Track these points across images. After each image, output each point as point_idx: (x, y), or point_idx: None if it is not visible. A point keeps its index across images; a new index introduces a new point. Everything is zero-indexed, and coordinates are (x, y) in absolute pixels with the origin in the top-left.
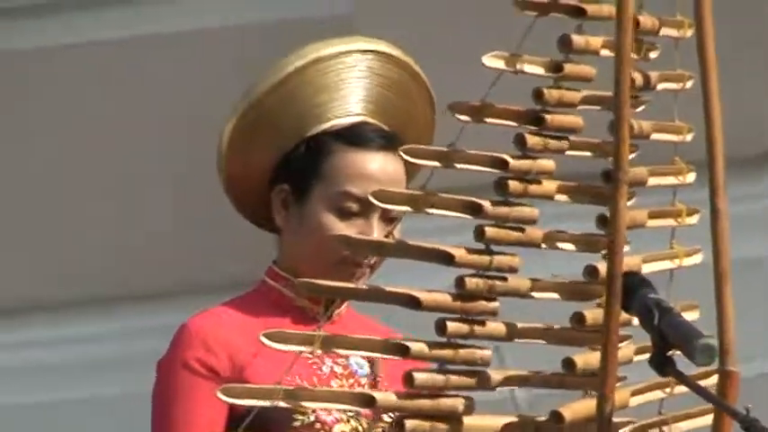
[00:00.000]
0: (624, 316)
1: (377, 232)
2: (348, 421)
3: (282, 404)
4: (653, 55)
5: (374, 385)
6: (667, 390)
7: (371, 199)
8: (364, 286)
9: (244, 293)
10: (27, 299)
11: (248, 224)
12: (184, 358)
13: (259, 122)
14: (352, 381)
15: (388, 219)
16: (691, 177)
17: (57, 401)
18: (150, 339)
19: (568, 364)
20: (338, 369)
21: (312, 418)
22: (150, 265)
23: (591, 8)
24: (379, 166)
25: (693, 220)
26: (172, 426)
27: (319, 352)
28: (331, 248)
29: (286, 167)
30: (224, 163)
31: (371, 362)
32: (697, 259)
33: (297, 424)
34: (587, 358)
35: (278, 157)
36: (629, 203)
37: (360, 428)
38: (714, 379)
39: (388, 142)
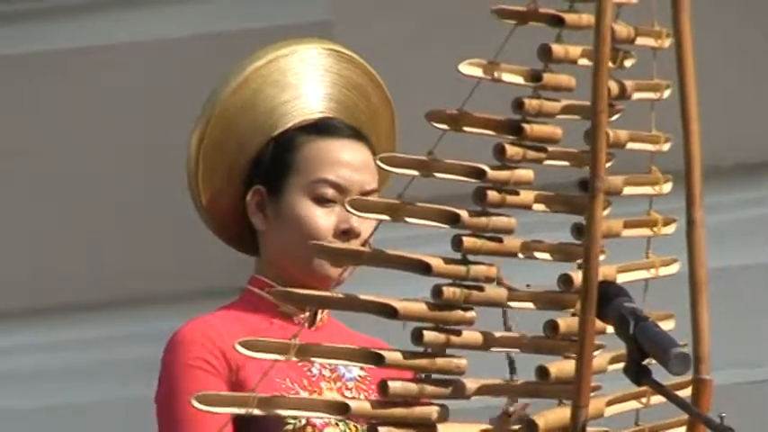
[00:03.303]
0: (599, 325)
1: (354, 219)
2: (337, 425)
3: (258, 412)
4: (628, 63)
5: (362, 388)
6: (643, 400)
7: (348, 208)
8: (340, 295)
9: (228, 303)
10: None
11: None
12: (185, 359)
13: (224, 128)
14: (339, 384)
15: None
16: (667, 187)
17: (32, 408)
18: (128, 347)
19: (542, 372)
20: (326, 372)
21: (303, 421)
22: (127, 272)
23: (570, 17)
24: (349, 153)
25: (670, 230)
26: (180, 422)
27: (294, 359)
28: (313, 236)
29: (256, 170)
30: (194, 176)
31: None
32: (674, 269)
33: (289, 428)
34: (561, 367)
35: (246, 161)
36: (604, 213)
37: None
38: (689, 389)
39: (355, 132)
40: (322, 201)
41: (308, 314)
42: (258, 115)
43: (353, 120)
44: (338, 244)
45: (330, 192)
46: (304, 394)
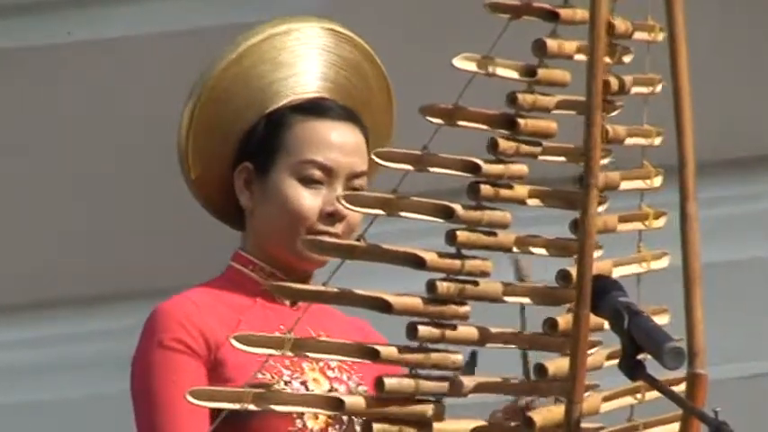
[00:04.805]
0: (596, 321)
1: None
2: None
3: (252, 407)
4: (627, 59)
5: (344, 369)
6: (638, 395)
7: (343, 203)
8: (334, 289)
9: (211, 280)
10: None
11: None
12: (161, 339)
13: (216, 102)
14: (322, 364)
15: (353, 189)
16: (658, 181)
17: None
18: (104, 342)
19: (540, 369)
20: None
21: None
22: (104, 267)
23: (564, 12)
24: (339, 135)
25: (660, 223)
26: (157, 406)
27: (291, 354)
28: (298, 217)
29: (246, 146)
30: (184, 149)
31: None
32: (664, 263)
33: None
34: (559, 364)
35: (237, 137)
36: (601, 208)
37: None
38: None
39: (348, 114)
40: (309, 182)
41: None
42: (251, 92)
43: (349, 100)
44: (331, 238)
45: (317, 173)
46: (286, 373)
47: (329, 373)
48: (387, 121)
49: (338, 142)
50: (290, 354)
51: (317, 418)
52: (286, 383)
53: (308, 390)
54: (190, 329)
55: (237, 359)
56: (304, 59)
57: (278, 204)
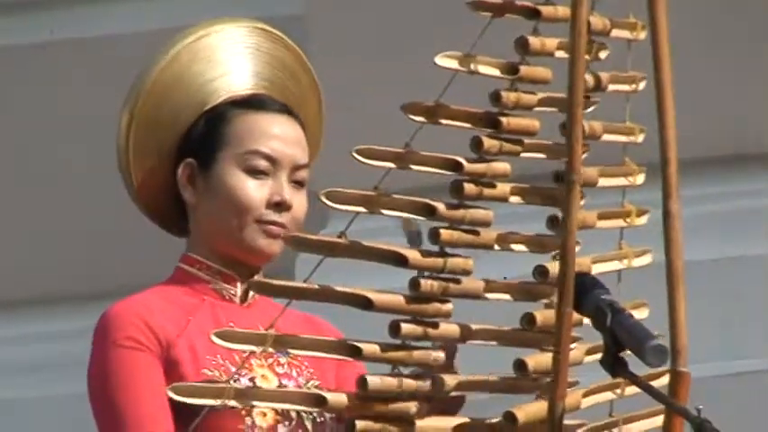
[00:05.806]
0: (575, 317)
1: (286, 191)
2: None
3: (233, 404)
4: (603, 55)
5: (294, 365)
6: (618, 391)
7: (324, 200)
8: (315, 286)
9: (159, 283)
10: None
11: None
12: (115, 339)
13: (154, 104)
14: (271, 360)
15: (296, 182)
16: (640, 178)
17: None
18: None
19: (520, 365)
20: None
21: None
22: (62, 268)
23: (546, 10)
24: (280, 127)
25: (643, 220)
26: (119, 403)
27: (271, 350)
28: (245, 207)
29: (187, 144)
30: (124, 152)
31: None
32: (646, 260)
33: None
34: (538, 359)
35: (177, 137)
36: (580, 204)
37: (277, 408)
38: (665, 380)
39: (285, 108)
40: (254, 172)
41: (239, 292)
42: (188, 91)
43: (282, 98)
44: (314, 235)
45: (263, 163)
46: (234, 370)
47: (278, 369)
48: (317, 121)
49: (280, 134)
50: (270, 350)
51: (265, 415)
52: (234, 381)
53: (255, 386)
54: (141, 327)
55: (189, 358)
56: (239, 57)
57: (223, 196)
